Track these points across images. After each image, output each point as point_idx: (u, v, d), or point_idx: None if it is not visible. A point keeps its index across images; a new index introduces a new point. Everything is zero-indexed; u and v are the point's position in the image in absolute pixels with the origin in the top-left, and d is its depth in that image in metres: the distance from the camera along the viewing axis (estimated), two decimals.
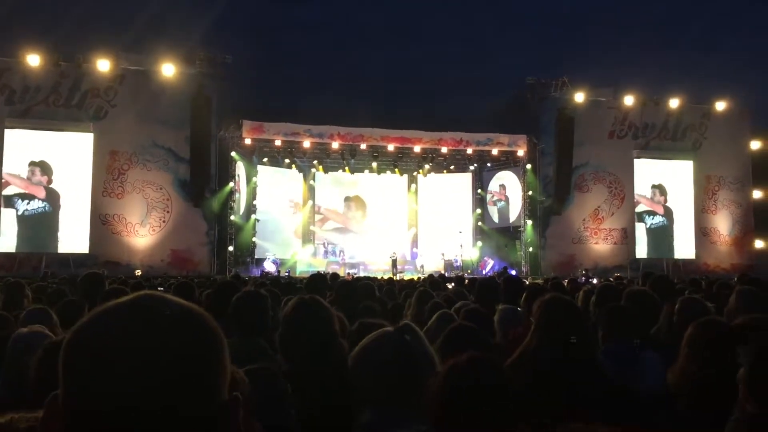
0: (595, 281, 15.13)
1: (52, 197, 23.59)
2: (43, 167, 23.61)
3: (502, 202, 29.58)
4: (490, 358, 2.16)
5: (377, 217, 30.49)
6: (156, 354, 0.91)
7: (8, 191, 23.08)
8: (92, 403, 0.89)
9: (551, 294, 3.18)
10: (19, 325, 3.62)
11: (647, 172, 29.21)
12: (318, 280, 7.14)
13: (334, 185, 30.19)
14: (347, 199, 30.57)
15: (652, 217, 29.39)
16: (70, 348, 0.94)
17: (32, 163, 23.50)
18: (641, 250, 28.81)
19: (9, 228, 22.98)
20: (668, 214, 29.49)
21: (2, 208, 22.83)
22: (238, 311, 3.68)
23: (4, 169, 22.90)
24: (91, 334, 0.94)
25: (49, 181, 23.59)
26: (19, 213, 23.10)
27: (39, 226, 23.30)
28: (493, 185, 29.92)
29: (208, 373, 0.96)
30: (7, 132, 22.90)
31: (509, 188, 29.40)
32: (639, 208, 29.20)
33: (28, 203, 23.31)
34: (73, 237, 23.45)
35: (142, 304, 0.97)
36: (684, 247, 29.25)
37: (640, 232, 29.10)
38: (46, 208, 23.43)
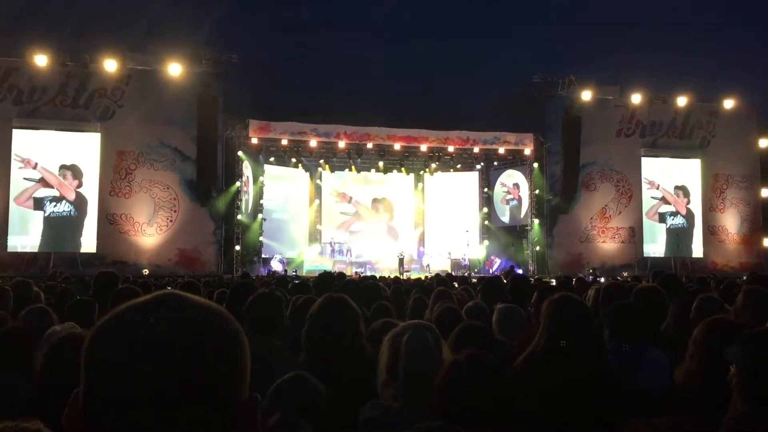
0: (602, 280, 15.07)
1: (81, 202, 23.75)
2: (75, 171, 23.79)
3: (515, 201, 29.50)
4: (489, 356, 2.22)
5: (384, 217, 30.53)
6: (179, 351, 0.91)
7: (39, 194, 23.24)
8: (115, 400, 0.89)
9: (560, 293, 3.17)
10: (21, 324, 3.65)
11: (655, 170, 29.09)
12: (326, 279, 7.15)
13: (362, 184, 30.28)
14: (375, 200, 30.66)
15: (673, 217, 29.24)
16: (94, 344, 0.94)
17: (63, 167, 23.68)
18: (658, 250, 28.70)
19: (35, 229, 23.12)
20: (690, 216, 29.34)
21: (32, 210, 23.03)
22: (254, 311, 3.68)
23: (21, 172, 23.03)
24: (116, 330, 0.94)
25: (80, 185, 23.76)
26: (46, 214, 23.21)
27: (64, 228, 23.40)
28: (507, 182, 29.82)
29: (230, 371, 0.96)
30: (15, 132, 22.98)
31: (520, 187, 29.36)
32: (663, 209, 29.07)
33: (56, 205, 23.43)
34: (81, 236, 23.57)
35: (165, 302, 0.97)
36: (692, 246, 29.17)
37: (660, 231, 28.99)
38: (72, 213, 23.54)
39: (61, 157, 23.57)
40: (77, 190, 23.73)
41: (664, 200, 29.12)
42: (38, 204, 23.18)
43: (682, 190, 29.44)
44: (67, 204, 23.53)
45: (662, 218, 29.10)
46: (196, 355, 0.92)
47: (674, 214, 29.22)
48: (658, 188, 29.10)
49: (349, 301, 3.16)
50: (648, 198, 28.99)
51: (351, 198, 30.32)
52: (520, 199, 29.29)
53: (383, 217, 30.63)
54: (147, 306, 0.96)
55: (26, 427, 1.14)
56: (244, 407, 0.97)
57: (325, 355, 2.94)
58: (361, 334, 3.09)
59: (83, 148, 23.81)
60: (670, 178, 29.26)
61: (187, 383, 0.90)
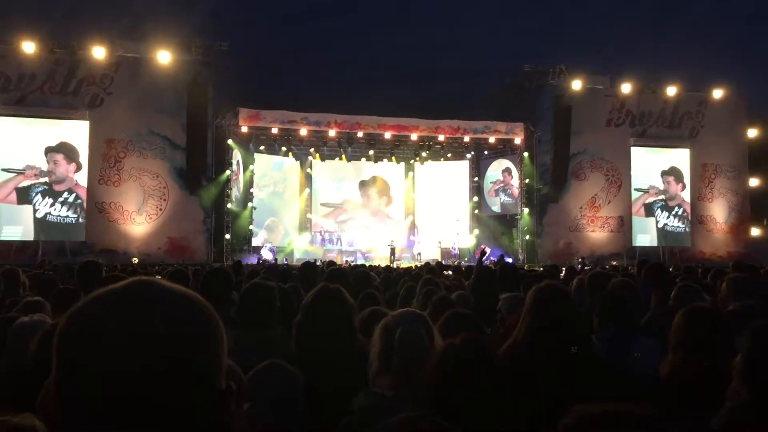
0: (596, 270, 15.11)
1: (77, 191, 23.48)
2: (67, 152, 23.37)
3: (509, 191, 29.52)
4: (480, 339, 2.24)
5: (375, 206, 30.51)
6: (151, 338, 0.90)
7: (25, 183, 22.83)
8: (86, 387, 0.89)
9: (545, 281, 3.18)
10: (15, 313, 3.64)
11: (644, 160, 29.18)
12: (309, 268, 7.13)
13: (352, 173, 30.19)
14: (363, 183, 30.60)
15: (664, 210, 29.29)
16: (63, 333, 0.93)
17: (50, 150, 23.16)
18: (650, 240, 28.87)
19: (27, 219, 22.90)
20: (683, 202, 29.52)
21: (16, 204, 22.64)
22: (246, 302, 3.66)
23: (5, 161, 22.79)
24: (85, 318, 0.94)
25: (78, 167, 23.40)
26: (40, 215, 22.84)
27: (70, 231, 23.28)
28: (497, 173, 29.89)
29: (202, 359, 0.95)
30: (2, 120, 22.79)
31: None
32: (649, 200, 29.16)
33: (53, 204, 23.00)
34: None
35: (135, 289, 0.96)
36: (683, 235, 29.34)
37: (650, 223, 29.13)
38: (78, 218, 23.30)
39: (49, 145, 23.31)
40: (75, 176, 23.42)
41: (649, 192, 29.16)
42: (23, 197, 22.73)
43: (673, 175, 29.48)
44: (70, 205, 23.25)
45: (650, 211, 29.14)
46: (168, 342, 0.91)
47: (664, 206, 29.27)
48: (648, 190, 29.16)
49: (343, 292, 3.14)
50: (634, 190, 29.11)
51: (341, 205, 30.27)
52: (512, 188, 29.30)
53: (375, 201, 30.54)
54: (119, 292, 0.95)
55: (17, 423, 1.13)
56: (219, 396, 0.97)
57: (316, 346, 2.93)
58: (354, 325, 3.08)
59: (72, 135, 23.59)
60: (658, 167, 29.36)
61: (159, 370, 0.89)
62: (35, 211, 22.85)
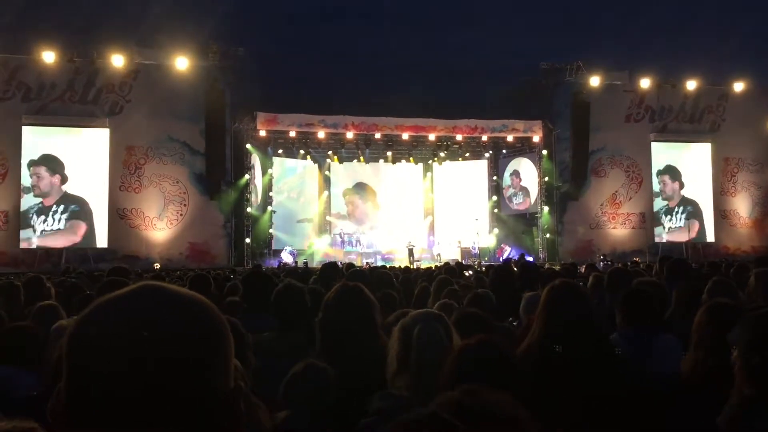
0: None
1: (72, 200, 23.51)
2: (50, 164, 23.26)
3: (519, 194, 29.41)
4: (497, 340, 2.23)
5: (393, 206, 30.49)
6: (158, 341, 0.91)
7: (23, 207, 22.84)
8: (94, 391, 0.90)
9: (560, 279, 3.16)
10: (31, 321, 3.67)
11: (664, 155, 28.90)
12: (330, 269, 7.12)
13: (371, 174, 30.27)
14: (359, 186, 30.61)
15: (668, 215, 28.90)
16: (72, 338, 0.95)
17: (33, 163, 22.99)
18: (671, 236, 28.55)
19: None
20: (687, 201, 29.05)
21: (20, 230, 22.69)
22: (279, 305, 3.66)
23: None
24: (93, 323, 0.95)
25: (63, 180, 23.37)
26: (37, 233, 22.92)
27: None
28: (506, 178, 29.85)
29: (210, 360, 0.96)
30: (24, 129, 23.06)
31: (523, 175, 29.23)
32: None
33: (45, 220, 23.05)
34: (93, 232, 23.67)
35: (142, 293, 0.98)
36: (705, 231, 29.00)
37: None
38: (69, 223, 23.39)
39: (70, 153, 23.59)
40: (63, 187, 23.38)
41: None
42: (25, 222, 22.70)
43: (669, 174, 29.06)
44: (57, 207, 23.28)
45: (659, 220, 28.72)
46: (174, 345, 0.92)
47: (667, 210, 28.87)
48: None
49: (365, 290, 3.14)
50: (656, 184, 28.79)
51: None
52: (522, 189, 29.20)
53: (360, 209, 30.51)
54: (127, 296, 0.97)
55: (23, 427, 1.13)
56: (226, 398, 0.97)
57: (339, 344, 2.94)
58: (376, 323, 3.09)
59: (92, 143, 23.86)
60: (673, 162, 29.03)
61: (166, 372, 0.90)
62: (35, 231, 22.89)
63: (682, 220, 28.83)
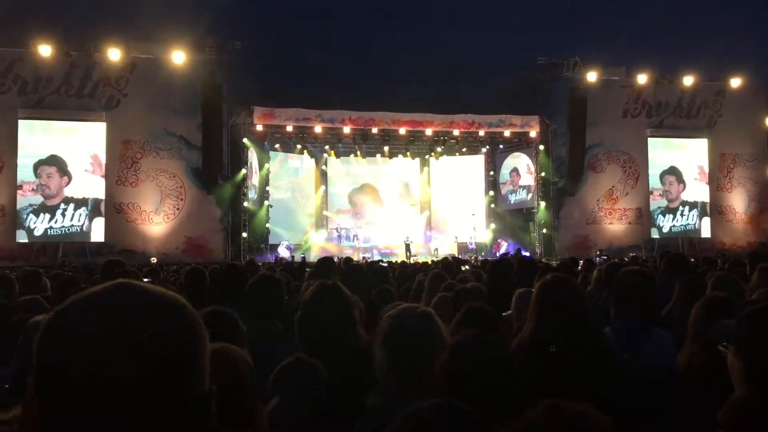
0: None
1: (80, 202, 23.49)
2: (59, 165, 23.27)
3: (519, 191, 29.43)
4: (492, 335, 2.22)
5: (390, 202, 30.51)
6: (127, 341, 0.90)
7: (23, 203, 22.76)
8: (64, 391, 0.89)
9: (551, 274, 3.16)
10: (18, 313, 3.67)
11: (661, 150, 28.91)
12: (325, 264, 7.12)
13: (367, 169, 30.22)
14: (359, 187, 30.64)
15: (671, 214, 28.93)
16: (42, 337, 0.94)
17: (42, 163, 22.97)
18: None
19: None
20: (688, 202, 29.09)
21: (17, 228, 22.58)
22: (254, 295, 3.71)
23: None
24: (64, 322, 0.94)
25: (69, 180, 23.28)
26: (38, 233, 22.79)
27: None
28: (504, 174, 29.84)
29: (182, 361, 0.95)
30: (21, 123, 22.99)
31: (522, 172, 29.23)
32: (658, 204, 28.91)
33: (52, 218, 22.97)
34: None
35: (114, 292, 0.97)
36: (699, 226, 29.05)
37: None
38: (81, 222, 23.37)
39: (66, 147, 23.51)
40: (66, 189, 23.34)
41: (653, 194, 28.79)
42: (18, 222, 22.53)
43: (674, 175, 29.06)
44: (73, 215, 23.25)
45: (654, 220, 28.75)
46: (148, 345, 0.91)
47: (665, 210, 28.90)
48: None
49: (342, 289, 3.12)
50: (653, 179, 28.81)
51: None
52: (521, 187, 29.20)
53: (365, 208, 30.54)
54: (99, 295, 0.96)
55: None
56: (201, 399, 0.97)
57: (316, 343, 2.94)
58: (355, 321, 3.08)
59: (89, 137, 23.79)
60: (669, 158, 29.03)
61: (137, 371, 0.89)
62: (31, 230, 22.73)
63: (694, 218, 28.88)
